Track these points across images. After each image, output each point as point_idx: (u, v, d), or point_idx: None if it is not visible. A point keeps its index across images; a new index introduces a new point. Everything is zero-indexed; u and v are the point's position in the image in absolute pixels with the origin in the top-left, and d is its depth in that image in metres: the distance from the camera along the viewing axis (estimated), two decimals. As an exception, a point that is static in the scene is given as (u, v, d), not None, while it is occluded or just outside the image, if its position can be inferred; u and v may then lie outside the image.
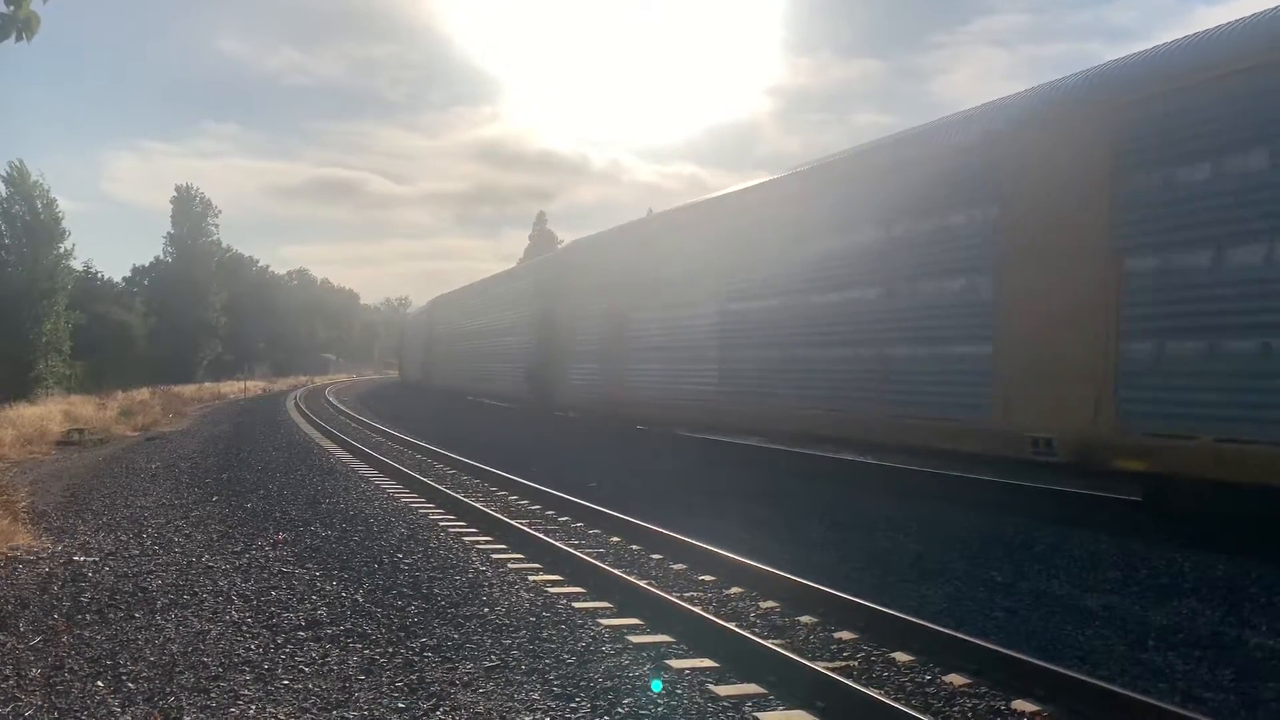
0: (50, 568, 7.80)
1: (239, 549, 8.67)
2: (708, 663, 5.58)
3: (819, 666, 5.30)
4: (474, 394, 36.26)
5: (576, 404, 23.72)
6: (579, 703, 4.92)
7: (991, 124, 11.27)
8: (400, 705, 4.84)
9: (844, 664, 5.69)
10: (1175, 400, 8.84)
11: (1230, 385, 8.43)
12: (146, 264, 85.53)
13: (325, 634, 6.05)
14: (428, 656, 5.64)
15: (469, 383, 36.69)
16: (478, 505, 11.06)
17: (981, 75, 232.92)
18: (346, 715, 4.70)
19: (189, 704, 4.79)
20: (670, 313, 18.15)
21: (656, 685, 5.18)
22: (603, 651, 5.76)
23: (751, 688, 5.17)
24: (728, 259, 16.15)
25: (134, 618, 6.35)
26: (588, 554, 8.42)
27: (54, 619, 6.28)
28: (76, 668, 5.33)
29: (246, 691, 4.99)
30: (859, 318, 12.89)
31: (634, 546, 9.15)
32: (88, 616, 6.37)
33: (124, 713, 4.69)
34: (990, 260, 10.93)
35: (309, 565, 8.02)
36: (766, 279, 15.00)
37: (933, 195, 11.80)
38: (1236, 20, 9.03)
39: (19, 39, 4.92)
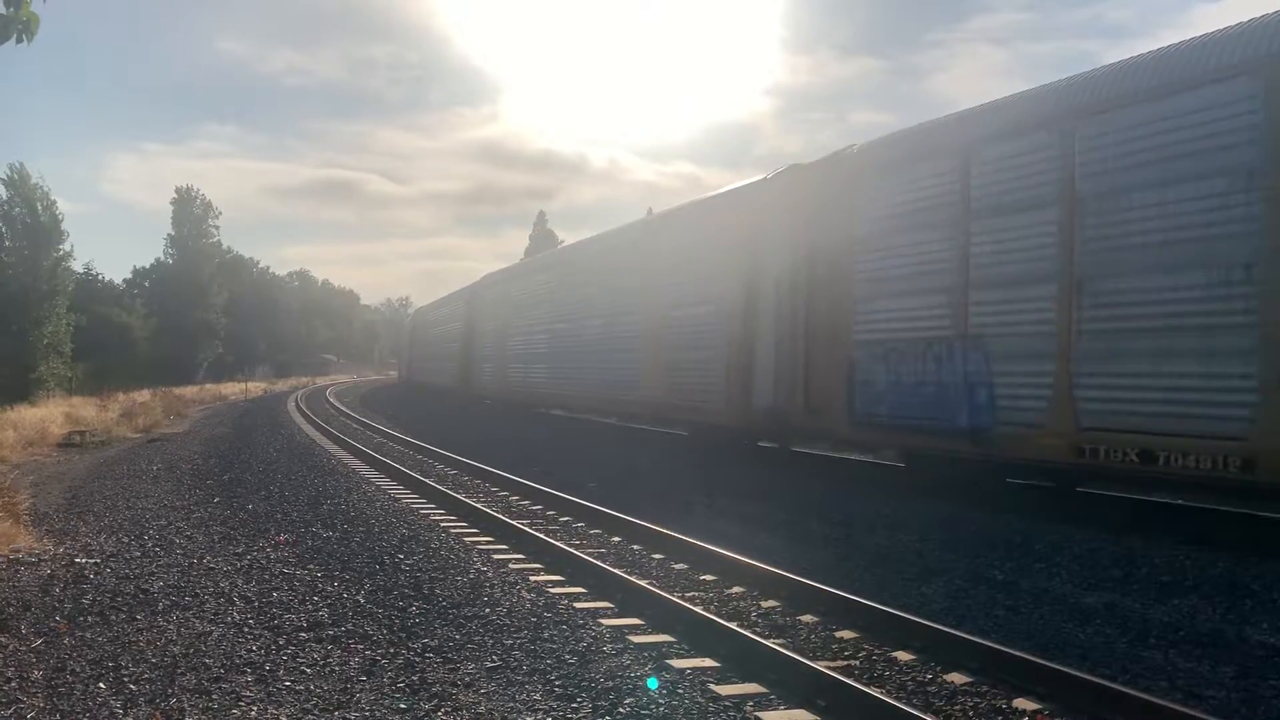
0: (52, 569, 7.80)
1: (240, 550, 8.67)
2: (709, 662, 5.59)
3: (820, 666, 5.31)
4: (433, 386, 43.56)
5: (484, 392, 32.83)
6: (580, 703, 4.93)
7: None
8: (402, 706, 4.84)
9: (845, 663, 5.69)
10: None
11: None
12: (147, 265, 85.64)
13: (327, 635, 6.05)
14: (429, 657, 5.64)
15: (432, 379, 44.91)
16: (478, 505, 11.07)
17: (979, 73, 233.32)
18: (348, 716, 4.71)
19: (191, 705, 4.80)
20: (527, 331, 27.41)
21: (652, 683, 5.19)
22: (604, 651, 5.77)
23: (753, 687, 5.18)
24: (554, 297, 25.22)
25: (136, 619, 6.35)
26: (588, 554, 8.43)
27: (56, 620, 6.29)
28: (78, 669, 5.33)
29: (248, 693, 4.99)
30: (616, 334, 20.23)
31: (635, 546, 9.16)
32: (89, 618, 6.37)
33: (126, 714, 4.69)
34: None
35: (310, 566, 8.03)
36: (570, 310, 23.54)
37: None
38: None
39: (19, 40, 4.93)
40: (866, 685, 5.07)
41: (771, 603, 7.06)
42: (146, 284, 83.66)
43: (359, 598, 6.99)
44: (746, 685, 5.21)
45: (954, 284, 11.24)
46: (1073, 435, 9.67)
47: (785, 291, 14.31)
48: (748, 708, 4.91)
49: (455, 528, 9.97)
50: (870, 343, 12.53)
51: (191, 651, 5.66)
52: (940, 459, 11.62)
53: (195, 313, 74.16)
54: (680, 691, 5.10)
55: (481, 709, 4.83)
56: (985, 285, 10.88)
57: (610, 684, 5.19)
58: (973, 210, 11.05)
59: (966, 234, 11.11)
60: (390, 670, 5.40)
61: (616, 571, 7.64)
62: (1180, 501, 10.43)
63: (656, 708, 4.88)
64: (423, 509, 11.23)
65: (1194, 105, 8.92)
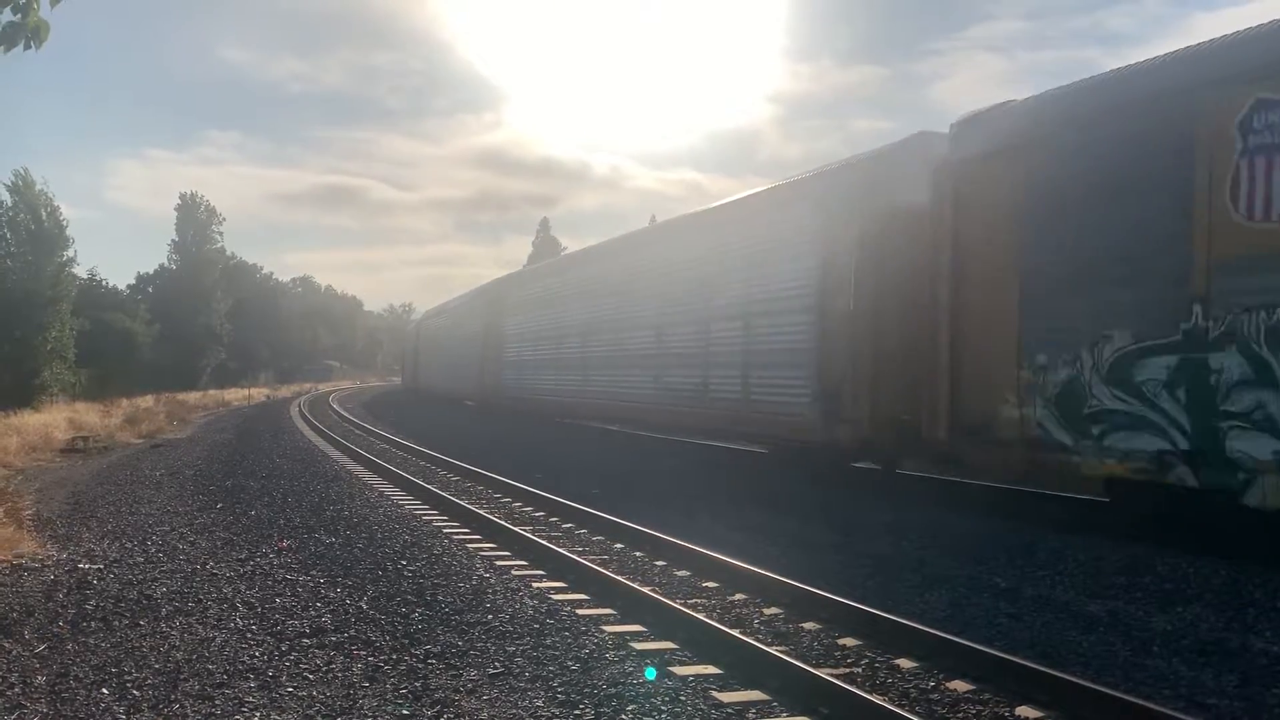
0: (55, 575, 7.82)
1: (243, 556, 8.68)
2: (711, 669, 5.59)
3: (822, 673, 5.31)
4: (442, 393, 43.32)
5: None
6: (583, 709, 4.93)
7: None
8: (405, 712, 4.85)
9: (847, 670, 5.69)
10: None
11: None
12: (151, 271, 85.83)
13: (329, 641, 6.06)
14: (432, 663, 5.65)
15: (437, 384, 44.99)
16: (481, 511, 11.07)
17: (979, 81, 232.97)
18: (351, 722, 4.71)
19: (194, 711, 4.80)
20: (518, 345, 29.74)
21: (650, 673, 5.20)
22: (606, 658, 5.77)
23: (755, 694, 5.18)
24: (526, 316, 28.88)
25: (139, 625, 6.36)
26: (591, 560, 8.43)
27: (59, 626, 6.30)
28: (81, 675, 5.34)
29: (251, 699, 5.00)
30: (554, 351, 25.52)
31: (637, 553, 9.16)
32: (93, 624, 6.39)
33: (129, 720, 4.71)
34: None
35: (313, 572, 8.04)
36: (545, 329, 26.86)
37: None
38: None
39: (27, 47, 4.96)
40: (869, 693, 5.08)
41: (774, 610, 7.06)
42: (150, 290, 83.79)
43: (362, 604, 7.00)
44: (749, 692, 5.21)
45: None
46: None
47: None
48: (750, 715, 4.91)
49: (458, 534, 9.98)
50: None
51: (194, 657, 5.67)
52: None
53: (199, 319, 74.30)
54: (683, 699, 5.10)
55: (484, 715, 4.83)
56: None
57: (613, 691, 5.19)
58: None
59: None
60: (393, 676, 5.40)
61: (619, 578, 7.64)
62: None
63: (659, 715, 4.88)
64: (425, 515, 11.23)
65: None
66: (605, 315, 21.89)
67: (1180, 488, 8.78)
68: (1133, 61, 9.93)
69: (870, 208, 12.84)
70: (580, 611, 6.85)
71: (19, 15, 4.80)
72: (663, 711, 4.92)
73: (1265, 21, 8.74)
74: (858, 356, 12.68)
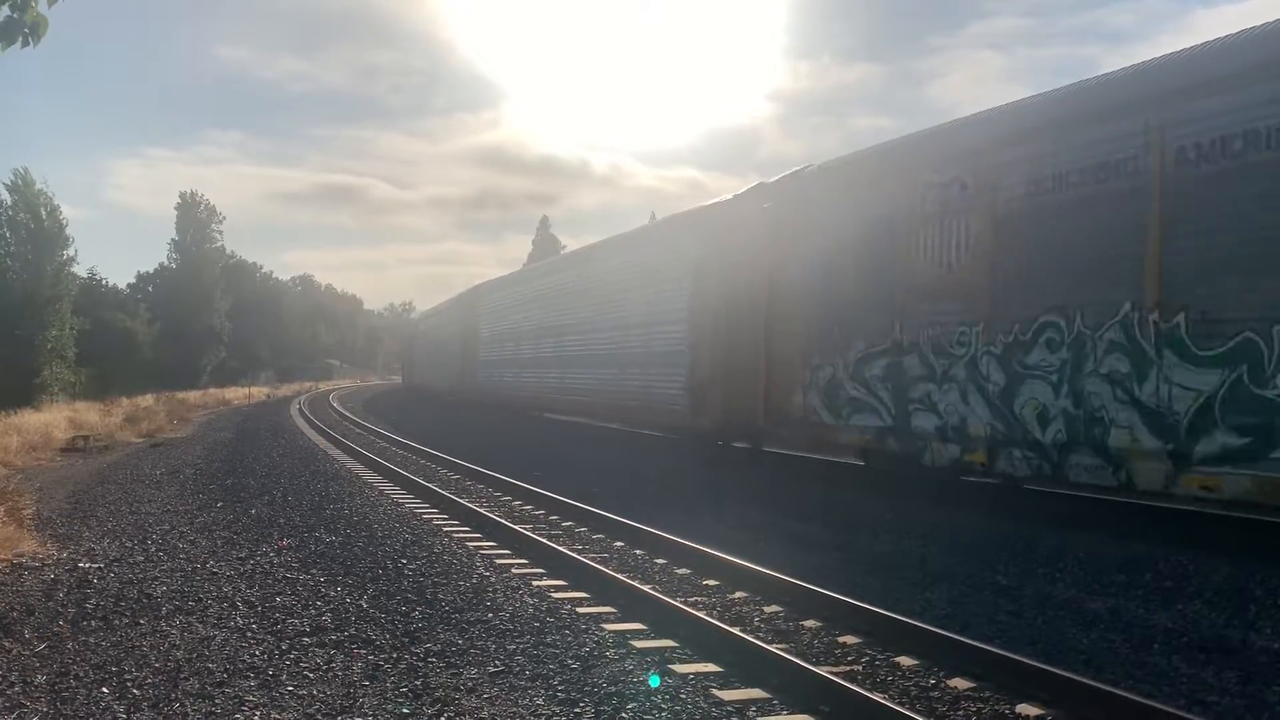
0: (55, 574, 7.81)
1: (244, 555, 8.68)
2: (712, 667, 5.59)
3: (823, 671, 5.30)
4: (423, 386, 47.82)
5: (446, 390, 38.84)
6: (583, 708, 4.92)
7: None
8: (405, 711, 4.84)
9: (848, 668, 5.69)
10: None
11: None
12: (151, 270, 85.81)
13: (330, 640, 6.05)
14: (432, 662, 5.64)
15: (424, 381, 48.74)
16: (481, 510, 11.07)
17: (978, 79, 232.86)
18: (351, 721, 4.71)
19: (194, 710, 4.80)
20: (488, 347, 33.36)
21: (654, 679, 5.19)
22: (606, 657, 5.76)
23: (756, 692, 5.17)
24: (494, 321, 32.42)
25: (139, 624, 6.36)
26: (591, 559, 8.43)
27: (59, 625, 6.30)
28: (82, 674, 5.34)
29: (251, 697, 5.00)
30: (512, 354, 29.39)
31: (638, 551, 9.15)
32: (93, 623, 6.38)
33: (129, 719, 4.70)
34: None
35: (313, 571, 8.04)
36: (506, 333, 30.51)
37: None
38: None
39: (25, 44, 4.95)
40: (869, 690, 5.07)
41: (774, 608, 7.05)
42: (150, 289, 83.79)
43: (362, 602, 7.00)
44: (749, 690, 5.20)
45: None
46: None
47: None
48: (750, 713, 4.91)
49: (458, 532, 9.97)
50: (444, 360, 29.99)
51: (195, 656, 5.67)
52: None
53: (199, 318, 74.25)
54: (683, 696, 5.09)
55: (484, 714, 4.83)
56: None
57: (613, 689, 5.19)
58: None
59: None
60: (393, 675, 5.40)
61: (619, 577, 7.63)
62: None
63: (659, 713, 4.88)
64: (425, 513, 11.23)
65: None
66: (550, 322, 25.43)
67: (892, 452, 12.30)
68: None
69: (724, 242, 16.04)
70: (580, 610, 6.85)
71: (17, 11, 4.78)
72: (663, 710, 4.92)
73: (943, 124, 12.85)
74: (715, 362, 15.93)
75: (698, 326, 16.45)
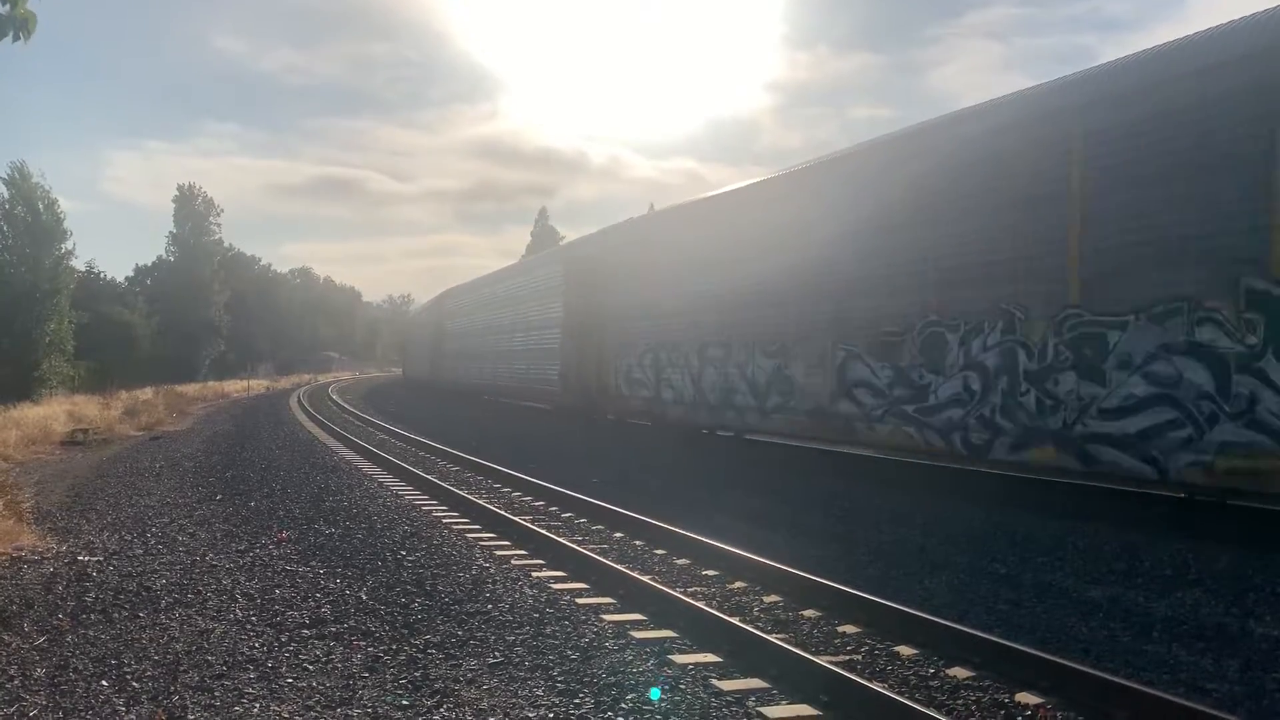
0: (55, 567, 7.81)
1: (243, 547, 8.68)
2: (711, 657, 5.58)
3: (823, 661, 5.30)
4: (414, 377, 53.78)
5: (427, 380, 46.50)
6: (582, 698, 4.92)
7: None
8: (404, 702, 4.84)
9: (848, 658, 5.69)
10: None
11: None
12: (149, 263, 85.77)
13: (329, 632, 6.05)
14: (431, 653, 5.64)
15: (416, 373, 54.46)
16: (480, 501, 11.07)
17: (976, 68, 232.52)
18: (350, 713, 4.71)
19: (193, 703, 4.80)
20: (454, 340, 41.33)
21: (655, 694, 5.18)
22: (606, 647, 5.76)
23: (755, 682, 5.17)
24: (454, 321, 40.99)
25: (138, 617, 6.36)
26: (590, 550, 8.43)
27: (59, 619, 6.29)
28: (81, 667, 5.34)
29: (251, 690, 4.99)
30: (481, 348, 35.28)
31: (637, 542, 9.15)
32: (92, 616, 6.38)
33: (128, 712, 4.69)
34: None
35: (313, 563, 8.03)
36: (460, 331, 39.36)
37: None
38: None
39: (16, 39, 4.92)
40: (869, 680, 5.07)
41: (774, 598, 7.05)
42: (148, 282, 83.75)
43: (361, 594, 6.99)
44: (749, 680, 5.20)
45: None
46: None
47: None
48: (750, 703, 4.90)
49: (457, 524, 9.97)
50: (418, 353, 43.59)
51: (194, 649, 5.66)
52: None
53: (197, 311, 74.19)
54: (683, 687, 5.09)
55: (484, 705, 4.82)
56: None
57: (612, 680, 5.19)
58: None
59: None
60: (393, 667, 5.40)
61: (619, 567, 7.64)
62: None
63: (659, 703, 4.87)
64: (424, 505, 11.23)
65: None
66: (489, 323, 34.32)
67: (657, 415, 19.22)
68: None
69: (583, 270, 23.49)
70: (580, 600, 6.85)
71: (7, 6, 4.75)
72: (663, 700, 4.92)
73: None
74: (573, 356, 23.47)
75: (566, 331, 23.92)
